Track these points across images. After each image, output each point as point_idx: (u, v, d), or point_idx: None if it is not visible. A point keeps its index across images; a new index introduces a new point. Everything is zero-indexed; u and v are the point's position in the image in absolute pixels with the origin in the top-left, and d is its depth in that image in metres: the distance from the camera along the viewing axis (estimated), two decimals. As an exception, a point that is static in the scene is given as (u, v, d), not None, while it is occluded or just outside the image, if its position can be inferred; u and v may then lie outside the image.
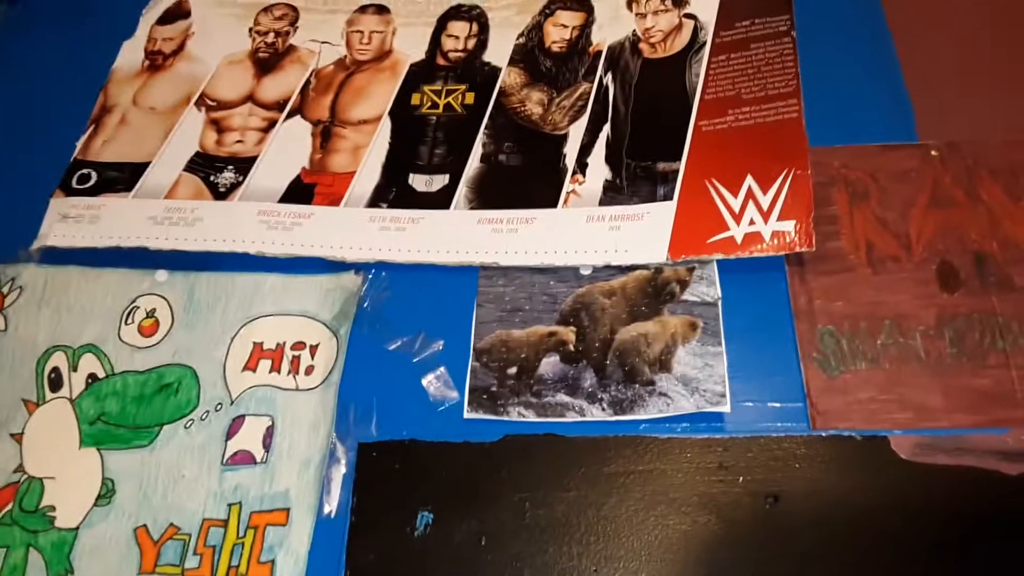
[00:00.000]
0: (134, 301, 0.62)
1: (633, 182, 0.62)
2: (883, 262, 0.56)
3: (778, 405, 0.53)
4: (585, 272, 0.60)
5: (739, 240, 0.57)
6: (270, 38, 0.77)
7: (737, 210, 0.58)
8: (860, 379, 0.52)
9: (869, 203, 0.59)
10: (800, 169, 0.58)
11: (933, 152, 0.61)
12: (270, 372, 0.58)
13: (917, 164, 0.60)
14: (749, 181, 0.58)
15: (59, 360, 0.60)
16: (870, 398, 0.52)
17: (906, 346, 0.53)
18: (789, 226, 0.56)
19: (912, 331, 0.53)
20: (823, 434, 0.51)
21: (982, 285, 0.55)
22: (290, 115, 0.71)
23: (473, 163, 0.66)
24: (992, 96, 0.63)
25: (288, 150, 0.69)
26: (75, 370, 0.60)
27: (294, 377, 0.58)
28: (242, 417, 0.57)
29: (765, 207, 0.57)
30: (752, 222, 0.57)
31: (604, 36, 0.71)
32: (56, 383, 0.59)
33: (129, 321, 0.61)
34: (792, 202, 0.57)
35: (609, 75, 0.68)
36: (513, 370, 0.56)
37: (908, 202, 0.59)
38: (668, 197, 0.60)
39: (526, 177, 0.65)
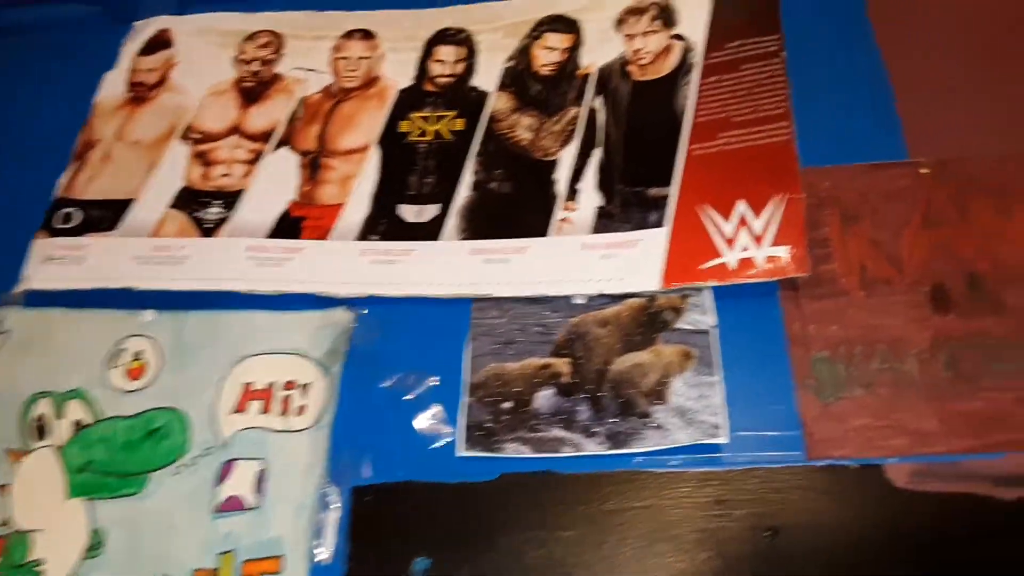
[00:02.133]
0: (121, 343, 0.61)
1: (625, 208, 0.61)
2: (876, 284, 0.56)
3: (774, 434, 0.52)
4: (579, 301, 0.59)
5: (732, 266, 0.56)
6: (255, 67, 0.76)
7: (730, 235, 0.57)
8: (855, 405, 0.52)
9: (861, 224, 0.58)
10: (793, 193, 0.57)
11: (924, 170, 0.60)
12: (261, 413, 0.58)
13: (908, 183, 0.60)
14: (741, 206, 0.58)
15: (44, 407, 0.59)
16: (865, 425, 0.51)
17: (901, 371, 0.52)
18: (783, 251, 0.55)
19: (907, 355, 0.53)
20: (819, 464, 0.50)
21: (975, 306, 0.54)
22: (277, 146, 0.70)
23: (464, 191, 0.65)
24: (982, 112, 0.62)
25: (276, 182, 0.68)
26: (61, 417, 0.59)
27: (286, 418, 0.57)
28: (233, 461, 0.56)
29: (758, 232, 0.56)
30: (745, 248, 0.56)
31: (593, 58, 0.70)
32: (42, 431, 0.58)
33: (116, 364, 0.61)
34: (785, 227, 0.56)
35: (599, 98, 0.67)
36: (508, 404, 0.56)
37: (901, 222, 0.58)
38: (660, 223, 0.59)
39: (517, 205, 0.64)
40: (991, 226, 0.57)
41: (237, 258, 0.63)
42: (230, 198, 0.68)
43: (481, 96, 0.70)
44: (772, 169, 0.59)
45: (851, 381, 0.53)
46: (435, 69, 0.73)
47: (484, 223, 0.63)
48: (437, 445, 0.55)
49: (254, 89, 0.74)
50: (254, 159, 0.70)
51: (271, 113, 0.73)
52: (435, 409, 0.56)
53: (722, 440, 0.52)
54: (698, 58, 0.67)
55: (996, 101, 0.63)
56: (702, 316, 0.56)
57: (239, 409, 0.58)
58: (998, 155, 0.60)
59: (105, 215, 0.68)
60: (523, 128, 0.68)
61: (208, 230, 0.66)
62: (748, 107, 0.62)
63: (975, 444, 0.49)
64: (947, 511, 0.48)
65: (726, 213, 0.58)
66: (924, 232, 0.57)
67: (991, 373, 0.52)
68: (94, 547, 0.54)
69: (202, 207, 0.67)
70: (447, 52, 0.73)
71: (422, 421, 0.56)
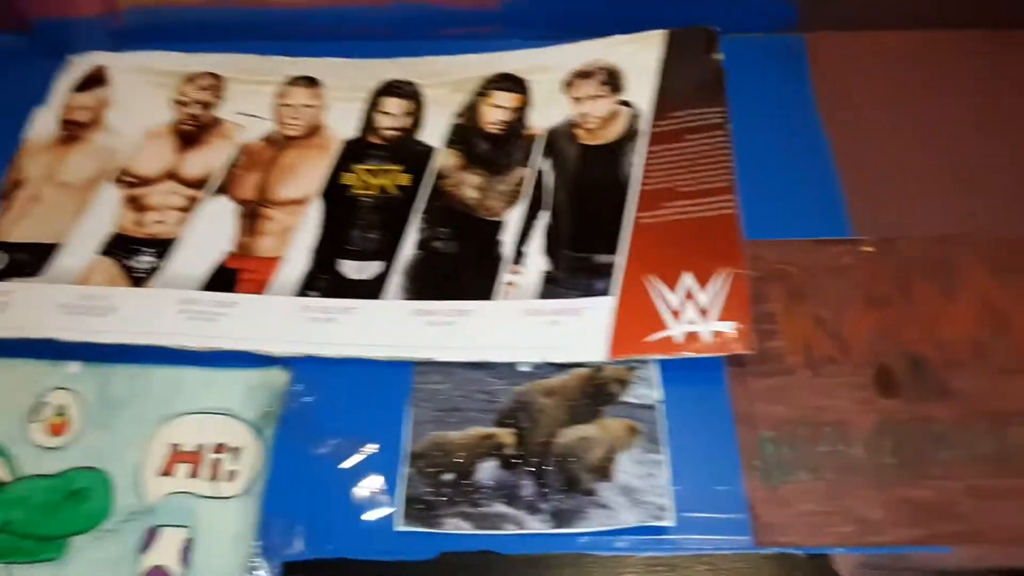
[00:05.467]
0: (43, 396, 0.58)
1: (571, 274, 0.61)
2: (822, 364, 0.56)
3: (722, 516, 0.51)
4: (524, 369, 0.58)
5: (679, 340, 0.56)
6: (194, 109, 0.74)
7: (676, 307, 0.57)
8: (802, 490, 0.52)
9: (806, 301, 0.59)
10: (737, 268, 0.57)
11: (867, 248, 0.61)
12: (189, 477, 0.55)
13: (852, 260, 0.61)
14: (688, 278, 0.58)
15: (-42, 464, 0.55)
16: (812, 511, 0.51)
17: (847, 455, 0.53)
18: (728, 327, 0.55)
19: (853, 439, 0.53)
20: (768, 552, 0.50)
21: (920, 390, 0.55)
22: (215, 193, 0.68)
23: (408, 249, 0.64)
24: (926, 192, 0.63)
25: (212, 232, 0.66)
26: (-24, 474, 0.55)
27: (215, 484, 0.54)
28: (158, 528, 0.53)
29: (704, 305, 0.56)
30: (692, 321, 0.56)
31: (541, 119, 0.70)
32: (-46, 490, 0.55)
33: (37, 419, 0.57)
34: (731, 303, 0.56)
35: (548, 161, 0.67)
36: (450, 476, 0.54)
37: (844, 300, 0.59)
38: (606, 292, 0.59)
39: (463, 265, 0.63)
40: (934, 307, 0.58)
41: (168, 311, 0.61)
42: (163, 247, 0.65)
43: (427, 151, 0.69)
44: (716, 242, 0.59)
45: (797, 464, 0.52)
46: (382, 121, 0.72)
47: (428, 283, 0.62)
48: (374, 518, 0.53)
49: (192, 133, 0.72)
50: (189, 206, 0.67)
51: (209, 159, 0.70)
52: (373, 479, 0.54)
53: (668, 523, 0.51)
54: (645, 125, 0.67)
55: (940, 181, 0.64)
56: (648, 390, 0.56)
57: (166, 472, 0.55)
58: (941, 235, 0.61)
59: (30, 259, 0.65)
60: (469, 187, 0.67)
61: (139, 279, 0.63)
62: (692, 178, 0.63)
63: (921, 535, 0.49)
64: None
65: (672, 284, 0.58)
66: (868, 311, 0.58)
67: (937, 461, 0.52)
68: (5, 621, 0.51)
69: (133, 255, 0.65)
70: (394, 104, 0.72)
71: (359, 491, 0.54)
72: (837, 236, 0.62)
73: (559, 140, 0.68)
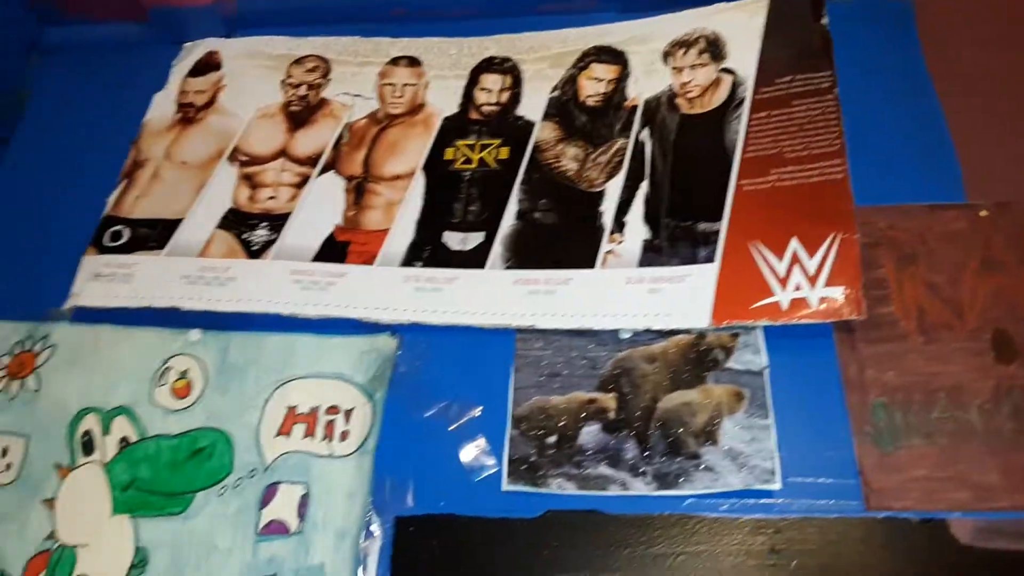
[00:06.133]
0: (167, 362, 0.62)
1: (673, 243, 0.61)
2: (936, 330, 0.55)
3: (831, 481, 0.51)
4: (625, 336, 0.58)
5: (785, 306, 0.55)
6: (302, 91, 0.76)
7: (782, 274, 0.56)
8: (915, 455, 0.51)
9: (918, 266, 0.58)
10: (847, 233, 0.56)
11: (983, 212, 0.59)
12: (304, 437, 0.57)
13: (966, 225, 0.59)
14: (794, 244, 0.57)
15: (91, 423, 0.59)
16: (926, 476, 0.50)
17: (963, 420, 0.51)
18: (837, 292, 0.54)
19: (968, 404, 0.52)
20: (879, 516, 0.49)
21: (1040, 356, 0.53)
22: (323, 170, 0.70)
23: (508, 221, 0.65)
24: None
25: (321, 207, 0.68)
26: (107, 433, 0.59)
27: (329, 443, 0.57)
28: (276, 484, 0.56)
29: (811, 272, 0.56)
30: (798, 287, 0.55)
31: (640, 90, 0.70)
32: (88, 447, 0.58)
33: (162, 382, 0.61)
34: (840, 267, 0.55)
35: (646, 130, 0.67)
36: (553, 439, 0.55)
37: (958, 266, 0.57)
38: (709, 259, 0.59)
39: (562, 235, 0.64)
40: (1053, 272, 0.56)
41: (283, 281, 0.63)
42: (276, 221, 0.68)
43: (527, 125, 0.70)
44: (826, 207, 0.58)
45: (910, 430, 0.51)
46: (480, 97, 0.73)
47: (529, 253, 0.63)
48: (481, 477, 0.54)
49: (301, 113, 0.75)
50: (300, 183, 0.70)
51: (317, 137, 0.73)
52: (479, 440, 0.55)
53: (776, 486, 0.51)
54: (748, 92, 0.66)
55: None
56: (754, 356, 0.56)
57: (283, 432, 0.57)
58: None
59: (153, 234, 0.68)
60: (568, 159, 0.67)
61: (255, 252, 0.66)
62: (800, 143, 0.62)
63: (1041, 500, 0.48)
64: (1013, 570, 0.47)
65: (779, 251, 0.57)
66: (983, 277, 0.56)
67: (1057, 426, 0.50)
68: (138, 565, 0.54)
69: (249, 229, 0.67)
70: (492, 80, 0.74)
71: (466, 452, 0.55)
72: (951, 201, 0.60)
73: (659, 110, 0.68)
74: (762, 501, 0.51)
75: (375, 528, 0.53)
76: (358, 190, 0.69)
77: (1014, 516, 0.48)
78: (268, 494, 0.55)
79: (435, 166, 0.69)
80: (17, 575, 0.54)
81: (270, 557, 0.53)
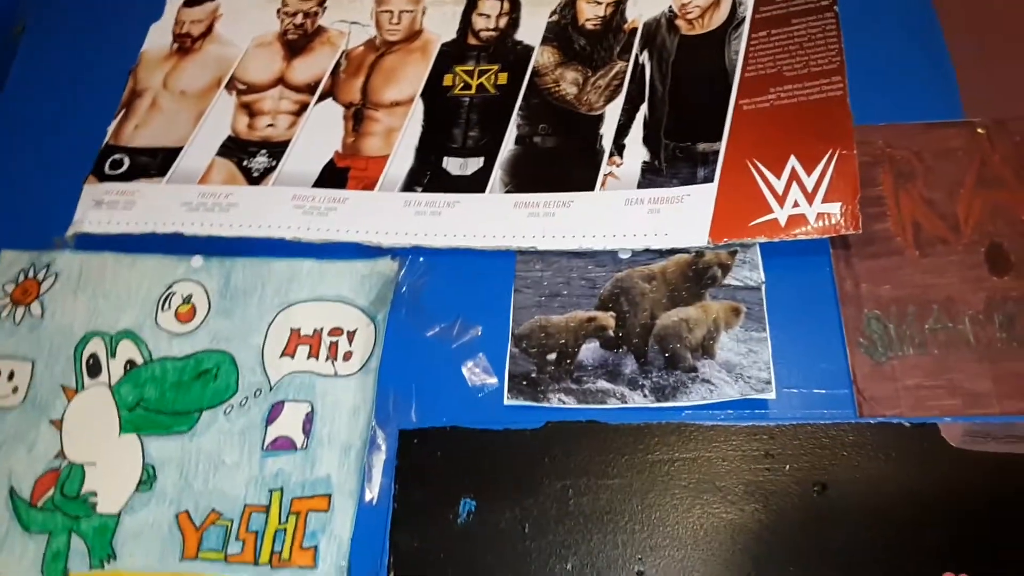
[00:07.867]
0: (170, 287, 0.62)
1: (672, 163, 0.61)
2: (931, 244, 0.55)
3: (824, 392, 0.52)
4: (624, 256, 0.59)
5: (783, 223, 0.56)
6: (299, 19, 0.76)
7: (780, 192, 0.57)
8: (908, 365, 0.51)
9: (915, 183, 0.58)
10: (846, 149, 0.56)
11: (980, 130, 0.59)
12: (308, 358, 0.58)
13: (963, 142, 0.59)
14: (793, 162, 0.57)
15: (97, 346, 0.60)
16: (918, 384, 0.51)
17: (955, 331, 0.52)
18: (835, 208, 0.55)
19: (961, 316, 0.52)
20: (871, 421, 0.50)
21: (1033, 268, 0.53)
22: (321, 98, 0.70)
23: (508, 145, 0.65)
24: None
25: (321, 134, 0.68)
26: (113, 356, 0.60)
27: (332, 363, 0.57)
28: (281, 403, 0.57)
29: (809, 188, 0.56)
30: (796, 204, 0.56)
31: (639, 12, 0.69)
32: (94, 369, 0.59)
33: (166, 307, 0.61)
34: (838, 183, 0.55)
35: (645, 53, 0.67)
36: (552, 356, 0.56)
37: (955, 182, 0.57)
38: (709, 179, 0.59)
39: (562, 159, 0.64)
40: (1049, 188, 0.56)
41: (284, 206, 0.64)
42: (276, 148, 0.68)
43: (525, 50, 0.70)
44: (825, 125, 0.58)
45: (903, 340, 0.52)
46: (479, 23, 0.72)
47: (529, 177, 0.63)
48: (483, 394, 0.55)
49: (298, 41, 0.74)
50: (299, 111, 0.70)
51: (315, 65, 0.73)
52: (480, 357, 0.56)
53: (771, 396, 0.52)
54: (748, 12, 0.66)
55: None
56: (751, 272, 0.56)
57: (287, 353, 0.58)
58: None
59: (153, 162, 0.68)
60: (568, 83, 0.67)
61: (255, 179, 0.66)
62: (800, 62, 0.62)
63: (1032, 406, 0.49)
64: (1002, 472, 0.48)
65: (777, 169, 0.57)
66: (980, 192, 0.57)
67: (1048, 336, 0.51)
68: (146, 481, 0.55)
69: (249, 156, 0.68)
70: (490, 6, 0.73)
71: (468, 369, 0.56)
72: (948, 119, 0.60)
73: (659, 32, 0.68)
74: (757, 410, 0.52)
75: (380, 441, 0.54)
76: (356, 117, 0.69)
77: (1003, 420, 0.49)
78: (274, 412, 0.56)
79: (434, 92, 0.69)
80: (27, 492, 0.55)
81: (277, 471, 0.54)
